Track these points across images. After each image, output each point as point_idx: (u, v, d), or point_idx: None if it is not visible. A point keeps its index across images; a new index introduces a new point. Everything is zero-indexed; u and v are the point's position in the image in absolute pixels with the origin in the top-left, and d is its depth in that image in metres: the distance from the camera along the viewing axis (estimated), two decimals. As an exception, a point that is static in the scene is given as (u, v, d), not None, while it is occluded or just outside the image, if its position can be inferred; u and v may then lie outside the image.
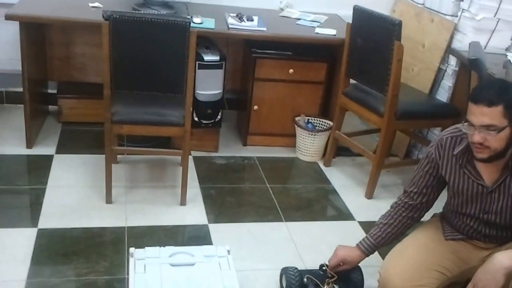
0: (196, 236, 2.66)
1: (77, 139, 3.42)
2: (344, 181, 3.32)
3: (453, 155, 1.99)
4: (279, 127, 3.58)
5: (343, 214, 2.99)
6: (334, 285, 2.19)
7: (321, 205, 3.08)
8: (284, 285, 2.27)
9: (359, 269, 2.30)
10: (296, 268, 2.28)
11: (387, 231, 2.18)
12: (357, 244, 2.24)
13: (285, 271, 2.28)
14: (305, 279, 2.20)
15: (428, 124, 3.35)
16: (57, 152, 3.25)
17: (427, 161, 2.07)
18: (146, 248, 2.16)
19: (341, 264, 2.25)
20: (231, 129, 3.78)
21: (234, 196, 3.04)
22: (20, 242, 2.46)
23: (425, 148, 3.52)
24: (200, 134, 3.38)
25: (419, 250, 2.06)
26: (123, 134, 3.19)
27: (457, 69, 3.26)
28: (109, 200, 2.81)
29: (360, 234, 2.76)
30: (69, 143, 3.37)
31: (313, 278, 2.20)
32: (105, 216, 2.71)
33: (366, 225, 2.86)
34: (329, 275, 2.22)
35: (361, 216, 2.97)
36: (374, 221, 2.86)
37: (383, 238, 2.19)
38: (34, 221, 2.61)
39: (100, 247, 2.48)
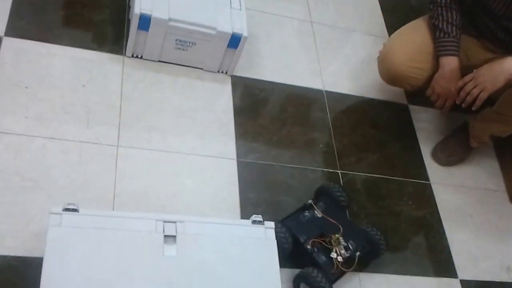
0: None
1: None
2: None
3: None
4: None
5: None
6: (340, 238, 1.72)
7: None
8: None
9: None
10: (281, 224, 1.70)
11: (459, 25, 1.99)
12: (453, 54, 1.94)
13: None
14: (308, 246, 1.68)
15: None
16: None
17: None
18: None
19: None
20: None
21: None
22: None
23: None
24: None
25: (429, 34, 2.02)
26: None
27: None
28: None
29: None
30: None
31: (317, 241, 1.69)
32: None
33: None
34: (318, 215, 1.76)
35: None
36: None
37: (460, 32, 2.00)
38: None
39: None
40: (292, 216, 1.76)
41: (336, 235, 1.70)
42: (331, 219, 1.75)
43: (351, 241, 1.71)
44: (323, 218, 1.75)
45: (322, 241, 1.69)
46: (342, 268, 1.66)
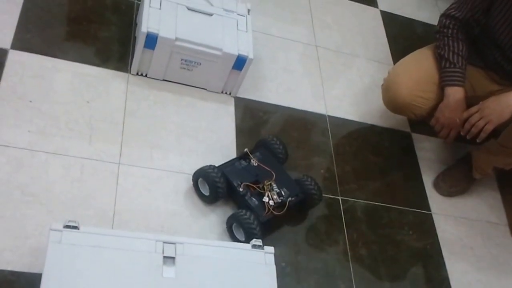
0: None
1: None
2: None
3: None
4: None
5: (368, -1, 2.84)
6: (272, 184, 1.79)
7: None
8: (205, 192, 1.77)
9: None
10: (214, 166, 1.76)
11: (465, 56, 1.99)
12: (458, 85, 1.94)
13: (203, 174, 1.75)
14: (241, 189, 1.74)
15: None
16: None
17: None
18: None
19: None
20: None
21: None
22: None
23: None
24: None
25: (434, 64, 2.01)
26: None
27: None
28: None
29: (378, 25, 2.69)
30: None
31: (251, 185, 1.75)
32: None
33: (387, 16, 2.75)
34: (254, 164, 1.83)
35: (385, 4, 2.82)
36: (397, 14, 2.78)
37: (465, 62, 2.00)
38: None
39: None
40: (229, 163, 1.83)
41: (269, 181, 1.78)
42: (266, 167, 1.82)
43: (285, 189, 1.79)
44: (258, 167, 1.82)
45: (257, 187, 1.76)
46: (273, 212, 1.73)
